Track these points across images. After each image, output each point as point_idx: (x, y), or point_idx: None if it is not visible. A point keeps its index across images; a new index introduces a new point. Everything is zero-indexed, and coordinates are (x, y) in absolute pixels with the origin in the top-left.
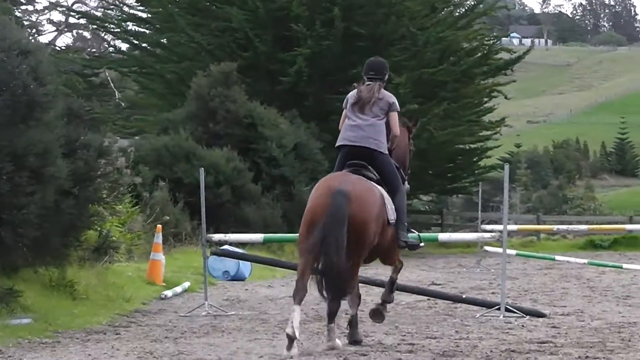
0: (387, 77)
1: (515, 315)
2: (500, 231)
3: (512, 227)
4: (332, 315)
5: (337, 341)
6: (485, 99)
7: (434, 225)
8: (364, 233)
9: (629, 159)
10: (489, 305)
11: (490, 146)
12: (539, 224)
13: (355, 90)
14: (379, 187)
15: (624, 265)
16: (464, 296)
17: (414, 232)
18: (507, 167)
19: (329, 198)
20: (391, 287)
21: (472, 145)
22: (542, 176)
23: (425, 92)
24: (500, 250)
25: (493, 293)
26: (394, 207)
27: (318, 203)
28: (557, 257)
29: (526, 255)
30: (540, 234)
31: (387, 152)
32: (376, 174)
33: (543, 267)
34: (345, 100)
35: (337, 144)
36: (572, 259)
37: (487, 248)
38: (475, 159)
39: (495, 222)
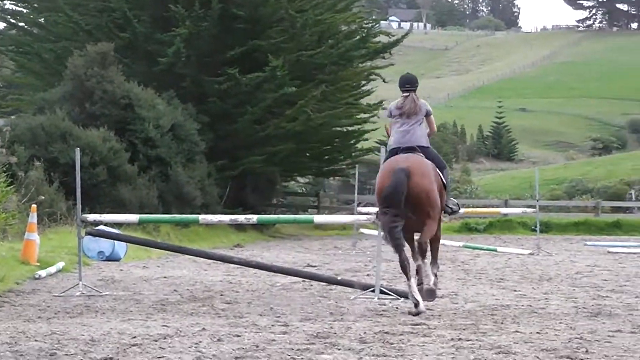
0: (417, 87)
1: (390, 297)
2: (376, 213)
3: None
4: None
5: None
6: (363, 82)
7: (311, 207)
8: (430, 195)
9: (505, 143)
10: (363, 287)
11: (368, 129)
12: None
13: (397, 101)
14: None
15: (498, 249)
16: (339, 278)
17: (454, 200)
18: (383, 149)
19: (391, 175)
20: (435, 260)
21: (350, 128)
22: None
23: (303, 74)
24: (375, 232)
25: (368, 275)
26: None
27: (384, 182)
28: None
29: None
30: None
31: (429, 145)
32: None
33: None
34: (388, 110)
35: (391, 147)
36: (447, 241)
37: (363, 230)
38: (352, 142)
39: (372, 205)
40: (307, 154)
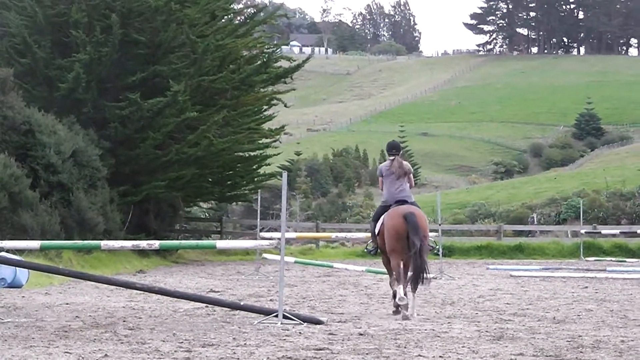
0: (401, 152)
1: (293, 322)
2: (279, 238)
3: (291, 234)
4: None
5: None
6: (265, 107)
7: (214, 233)
8: (427, 234)
9: None
10: (266, 312)
11: (270, 154)
12: (318, 231)
13: (385, 164)
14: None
15: None
16: (242, 303)
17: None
18: (285, 174)
19: (403, 219)
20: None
21: (252, 153)
22: (322, 184)
23: (205, 99)
24: (278, 257)
25: (271, 300)
26: None
27: (398, 222)
28: (336, 265)
29: (304, 263)
30: (319, 242)
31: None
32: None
33: (322, 275)
34: (379, 170)
35: (386, 201)
36: (350, 266)
37: (265, 255)
38: (254, 167)
39: (275, 230)
40: (210, 179)
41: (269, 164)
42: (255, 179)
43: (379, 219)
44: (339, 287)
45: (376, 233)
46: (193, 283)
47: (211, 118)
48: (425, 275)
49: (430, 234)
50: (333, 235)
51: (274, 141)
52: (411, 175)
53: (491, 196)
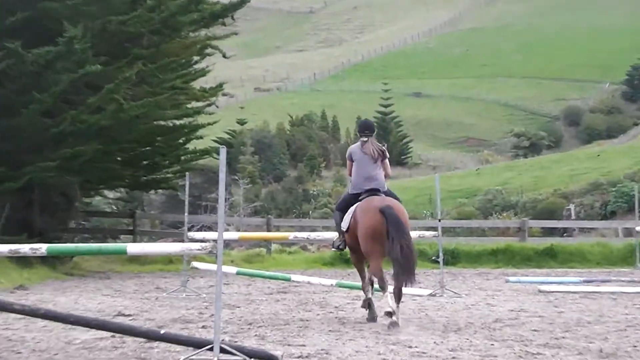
0: (375, 132)
1: (235, 357)
2: (215, 240)
3: (232, 234)
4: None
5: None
6: (196, 58)
7: (124, 233)
8: (408, 226)
9: (394, 141)
10: (197, 344)
11: (203, 123)
12: (269, 230)
13: (357, 145)
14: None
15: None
16: (162, 332)
17: None
18: (223, 151)
19: (381, 214)
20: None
21: (178, 122)
22: (275, 165)
23: (112, 48)
24: (214, 267)
25: (204, 327)
26: None
27: (375, 220)
28: (295, 277)
29: (251, 274)
30: (272, 245)
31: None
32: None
33: (275, 291)
34: (349, 152)
35: (353, 191)
36: (314, 279)
37: (196, 264)
38: (181, 141)
39: (209, 229)
40: (118, 158)
41: (201, 137)
42: (182, 158)
43: (346, 209)
44: (299, 309)
45: (345, 229)
46: (94, 303)
47: (120, 74)
48: (411, 282)
49: (427, 232)
50: (291, 235)
51: (209, 105)
52: (387, 161)
53: (510, 180)
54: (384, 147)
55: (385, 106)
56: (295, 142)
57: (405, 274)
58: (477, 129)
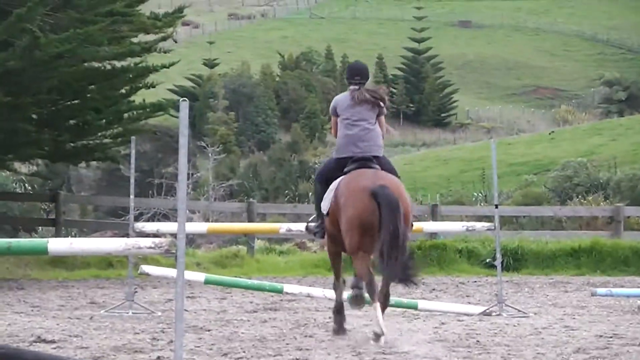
0: (368, 79)
1: None
2: (174, 235)
3: (198, 226)
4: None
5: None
6: None
7: (43, 223)
8: (409, 217)
9: (430, 92)
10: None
11: (155, 65)
12: (252, 220)
13: (343, 95)
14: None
15: (421, 304)
16: None
17: None
18: (185, 105)
19: (372, 198)
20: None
21: (119, 64)
22: (259, 125)
23: None
24: (173, 272)
25: (159, 359)
26: None
27: (363, 207)
28: (288, 287)
29: (225, 284)
30: (255, 240)
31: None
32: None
33: (261, 307)
34: (332, 106)
35: (340, 156)
36: (316, 290)
37: (146, 268)
38: (123, 91)
39: (164, 217)
40: (33, 116)
41: (152, 86)
42: (125, 116)
43: (329, 181)
44: (295, 333)
45: (325, 213)
46: (2, 325)
47: None
48: (410, 281)
49: (479, 224)
50: (282, 227)
51: (163, 39)
52: (383, 117)
53: (599, 149)
54: (384, 94)
55: (418, 41)
56: (287, 92)
57: (390, 265)
58: (550, 74)
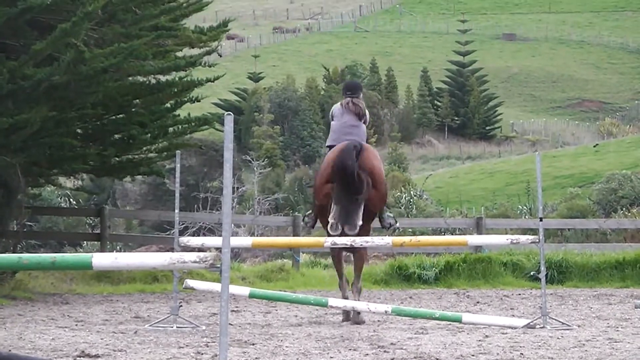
0: (361, 94)
1: None
2: (219, 249)
3: (243, 240)
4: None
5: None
6: None
7: (88, 238)
8: (380, 171)
9: (475, 105)
10: None
11: (200, 79)
12: (297, 234)
13: (339, 104)
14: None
15: (465, 317)
16: None
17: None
18: (230, 119)
19: (342, 148)
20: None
21: (164, 78)
22: (304, 139)
23: None
24: (218, 286)
25: None
26: None
27: (335, 155)
28: (333, 301)
29: (270, 298)
30: (301, 255)
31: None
32: None
33: (306, 321)
34: (331, 112)
35: (332, 144)
36: (361, 303)
37: (191, 283)
38: (168, 105)
39: (210, 231)
40: (78, 131)
41: (197, 100)
42: (170, 130)
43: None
44: (340, 347)
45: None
46: (47, 339)
47: (80, 7)
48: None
49: (523, 237)
50: (327, 241)
51: (208, 53)
52: (364, 127)
53: None
54: (364, 108)
55: (463, 54)
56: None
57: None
58: (595, 87)
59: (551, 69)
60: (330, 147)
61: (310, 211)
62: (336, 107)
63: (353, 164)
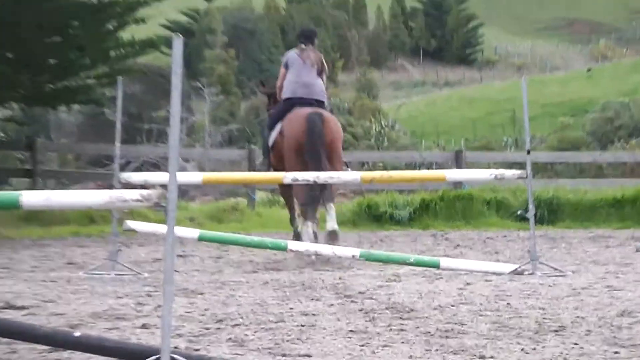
0: (316, 43)
1: None
2: (164, 185)
3: (193, 176)
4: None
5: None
6: None
7: (17, 174)
8: (338, 144)
9: (454, 27)
10: (135, 354)
11: None
12: (253, 169)
13: (293, 51)
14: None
15: (443, 261)
16: (77, 334)
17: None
18: (179, 42)
19: (306, 121)
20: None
21: None
22: (262, 64)
23: None
24: (162, 228)
25: (145, 326)
26: None
27: (300, 129)
28: (292, 245)
29: (223, 241)
30: (256, 192)
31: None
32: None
33: (262, 267)
34: (284, 61)
35: (286, 97)
36: (325, 247)
37: (132, 224)
38: (110, 26)
39: (155, 166)
40: (8, 55)
41: (143, 21)
42: (112, 54)
43: (275, 125)
44: (301, 296)
45: (270, 146)
46: None
47: None
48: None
49: (509, 172)
50: (286, 176)
51: None
52: (324, 76)
53: None
54: (322, 59)
55: None
56: (294, 27)
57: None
58: (587, 5)
59: None
60: (287, 99)
61: (264, 160)
62: (292, 55)
63: (322, 152)
